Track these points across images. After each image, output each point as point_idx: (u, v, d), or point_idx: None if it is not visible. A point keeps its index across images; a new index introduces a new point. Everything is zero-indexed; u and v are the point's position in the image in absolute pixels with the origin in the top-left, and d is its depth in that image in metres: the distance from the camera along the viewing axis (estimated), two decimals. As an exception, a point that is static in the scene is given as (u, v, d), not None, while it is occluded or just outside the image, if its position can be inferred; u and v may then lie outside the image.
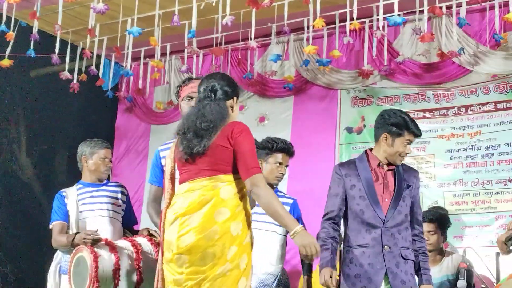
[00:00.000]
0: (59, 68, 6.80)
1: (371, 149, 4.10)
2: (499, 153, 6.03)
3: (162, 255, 3.39)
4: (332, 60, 6.38)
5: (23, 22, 6.29)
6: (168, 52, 7.22)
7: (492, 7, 5.97)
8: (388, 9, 5.50)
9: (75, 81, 6.70)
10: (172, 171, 3.53)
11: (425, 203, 5.98)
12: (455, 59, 6.17)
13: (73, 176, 5.14)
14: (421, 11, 5.67)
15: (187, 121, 3.42)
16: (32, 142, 8.38)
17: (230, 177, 3.32)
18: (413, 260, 3.94)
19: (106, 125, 8.09)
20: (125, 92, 7.74)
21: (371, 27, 6.37)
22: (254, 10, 5.48)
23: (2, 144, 8.14)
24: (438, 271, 4.97)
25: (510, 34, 6.04)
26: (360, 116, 6.74)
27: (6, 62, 6.17)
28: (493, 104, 6.15)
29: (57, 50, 6.25)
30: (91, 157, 4.71)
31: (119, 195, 4.74)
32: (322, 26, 5.62)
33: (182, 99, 3.96)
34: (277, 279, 4.66)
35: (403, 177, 3.99)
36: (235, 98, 3.53)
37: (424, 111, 6.41)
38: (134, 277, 3.97)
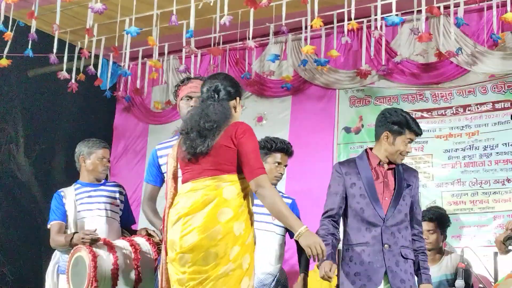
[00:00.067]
0: (57, 68, 6.79)
1: (371, 148, 4.11)
2: (497, 153, 6.03)
3: (166, 254, 3.39)
4: (330, 60, 6.37)
5: (21, 21, 6.28)
6: (166, 52, 7.20)
7: (490, 7, 5.97)
8: (386, 9, 5.50)
9: (73, 81, 6.68)
10: (175, 171, 3.53)
11: (423, 203, 5.96)
12: (453, 59, 6.17)
13: (71, 175, 5.15)
14: (419, 11, 5.66)
15: (190, 121, 3.41)
16: (30, 141, 8.39)
17: (233, 177, 3.32)
18: (412, 260, 3.95)
19: (104, 124, 8.09)
20: (123, 92, 7.72)
21: (369, 27, 6.36)
22: (252, 10, 5.47)
23: (0, 144, 8.14)
24: (437, 270, 4.98)
25: (508, 34, 6.04)
26: (358, 116, 6.73)
27: (4, 62, 6.16)
28: (491, 104, 6.15)
29: (55, 50, 6.23)
30: (89, 157, 4.71)
31: (117, 195, 4.74)
32: (320, 26, 5.61)
33: (181, 99, 3.94)
34: (275, 278, 4.65)
35: (403, 177, 3.99)
36: (238, 98, 3.55)
37: (422, 111, 6.41)
38: (133, 277, 3.98)
